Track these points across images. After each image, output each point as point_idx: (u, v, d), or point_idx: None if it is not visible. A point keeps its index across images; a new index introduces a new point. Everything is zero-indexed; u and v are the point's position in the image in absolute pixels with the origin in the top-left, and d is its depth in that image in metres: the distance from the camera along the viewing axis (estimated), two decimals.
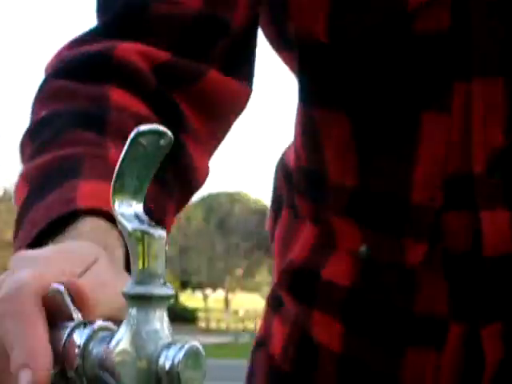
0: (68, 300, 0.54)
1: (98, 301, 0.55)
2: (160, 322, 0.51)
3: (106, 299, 0.56)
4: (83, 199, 0.66)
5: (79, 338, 0.52)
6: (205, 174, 0.83)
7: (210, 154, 0.84)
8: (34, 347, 0.52)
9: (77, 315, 0.54)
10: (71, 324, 0.53)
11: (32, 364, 0.51)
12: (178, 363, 0.49)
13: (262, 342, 1.01)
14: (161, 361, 0.50)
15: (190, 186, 0.82)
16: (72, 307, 0.54)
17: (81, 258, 0.60)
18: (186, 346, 0.50)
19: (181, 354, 0.49)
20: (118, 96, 0.76)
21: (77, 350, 0.52)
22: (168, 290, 0.51)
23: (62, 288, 0.54)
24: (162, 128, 0.51)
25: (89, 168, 0.70)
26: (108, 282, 0.58)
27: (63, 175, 0.69)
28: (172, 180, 0.77)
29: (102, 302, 0.56)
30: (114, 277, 0.60)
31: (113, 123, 0.75)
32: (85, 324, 0.53)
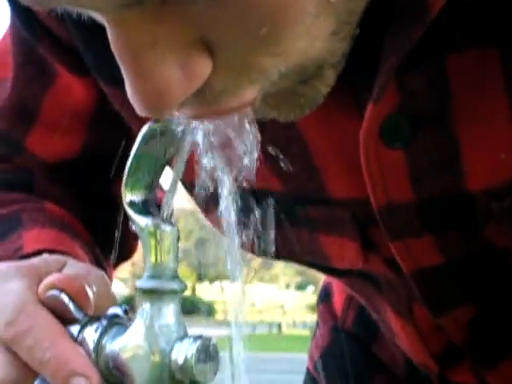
0: (67, 300, 0.54)
1: (97, 293, 0.56)
2: (173, 315, 0.51)
3: (99, 287, 0.57)
4: (29, 245, 0.68)
5: (93, 333, 0.53)
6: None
7: None
8: (71, 355, 0.52)
9: (81, 313, 0.54)
10: (82, 320, 0.54)
11: (81, 370, 0.52)
12: (191, 357, 0.50)
13: (325, 296, 1.02)
14: (174, 355, 0.50)
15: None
16: (73, 306, 0.54)
17: (51, 261, 0.60)
18: (199, 340, 0.50)
19: (194, 348, 0.50)
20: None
21: (91, 346, 0.52)
22: (181, 284, 0.52)
23: (58, 292, 0.54)
24: (173, 124, 0.51)
25: (29, 219, 0.73)
26: (89, 269, 0.59)
27: (7, 230, 0.72)
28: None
29: (99, 292, 0.56)
30: (90, 265, 0.60)
31: (38, 185, 0.80)
32: (96, 319, 0.54)
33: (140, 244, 0.85)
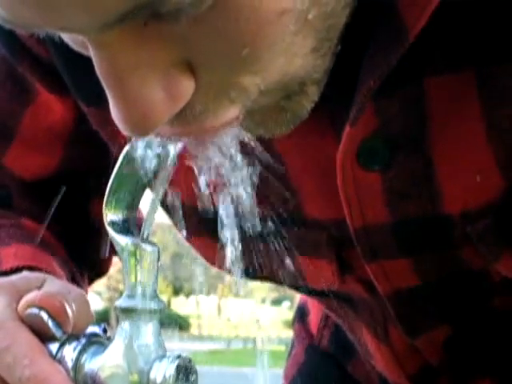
0: (46, 317, 0.54)
1: (76, 311, 0.56)
2: (152, 335, 0.52)
3: (79, 306, 0.56)
4: (7, 262, 0.68)
5: (71, 351, 0.53)
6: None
7: None
8: (50, 373, 0.52)
9: (60, 331, 0.54)
10: (61, 338, 0.54)
11: None
12: (170, 377, 0.50)
13: (301, 315, 1.03)
14: (152, 374, 0.50)
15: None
16: (53, 324, 0.54)
17: (31, 279, 0.60)
18: (177, 360, 0.50)
19: (172, 368, 0.50)
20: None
21: (70, 364, 0.52)
22: (160, 304, 0.52)
23: (37, 309, 0.54)
24: (154, 143, 0.52)
25: (6, 236, 0.73)
26: (69, 287, 0.59)
27: None
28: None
29: (78, 311, 0.56)
30: (69, 283, 0.61)
31: (16, 201, 0.80)
32: (75, 337, 0.54)
33: (115, 259, 0.86)
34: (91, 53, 0.44)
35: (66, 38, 0.46)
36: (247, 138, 0.52)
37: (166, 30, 0.43)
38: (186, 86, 0.46)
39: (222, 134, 0.51)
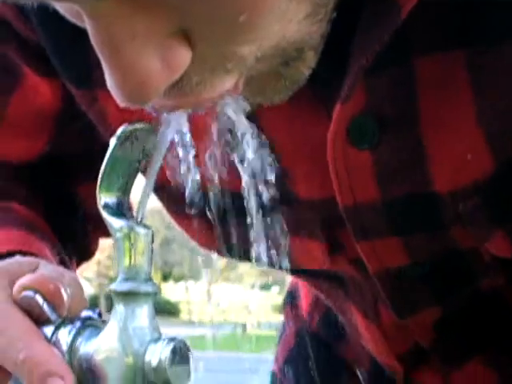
0: (41, 301, 0.54)
1: (71, 295, 0.56)
2: (147, 318, 0.52)
3: (73, 290, 0.56)
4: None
5: (66, 335, 0.53)
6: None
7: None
8: (45, 356, 0.52)
9: (55, 314, 0.54)
10: (55, 322, 0.54)
11: (56, 371, 0.51)
12: (165, 359, 0.50)
13: (291, 298, 1.02)
14: (147, 357, 0.50)
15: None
16: (48, 307, 0.54)
17: (24, 263, 0.60)
18: (173, 342, 0.50)
19: (167, 350, 0.50)
20: None
21: (64, 347, 0.52)
22: (154, 286, 0.52)
23: (32, 293, 0.54)
24: (147, 125, 0.52)
25: None
26: (62, 271, 0.59)
27: None
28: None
29: (73, 294, 0.56)
30: (62, 267, 0.61)
31: (4, 185, 0.79)
32: (70, 320, 0.54)
33: (102, 244, 0.86)
34: (86, 23, 0.44)
35: (60, 8, 0.46)
36: (244, 108, 0.52)
37: None
38: (183, 56, 0.45)
39: (219, 105, 0.51)
